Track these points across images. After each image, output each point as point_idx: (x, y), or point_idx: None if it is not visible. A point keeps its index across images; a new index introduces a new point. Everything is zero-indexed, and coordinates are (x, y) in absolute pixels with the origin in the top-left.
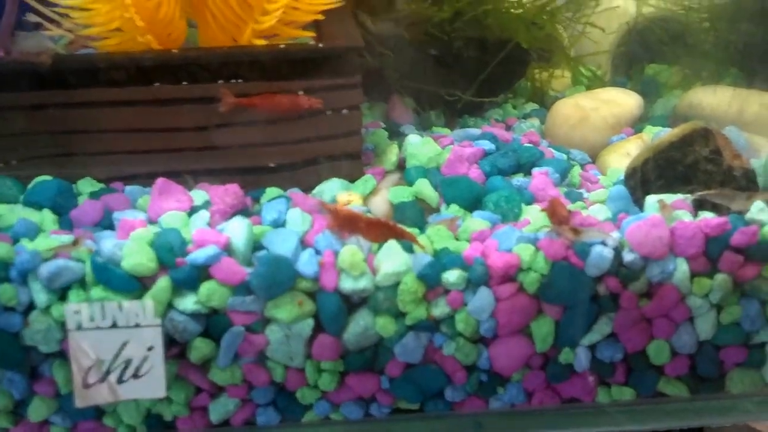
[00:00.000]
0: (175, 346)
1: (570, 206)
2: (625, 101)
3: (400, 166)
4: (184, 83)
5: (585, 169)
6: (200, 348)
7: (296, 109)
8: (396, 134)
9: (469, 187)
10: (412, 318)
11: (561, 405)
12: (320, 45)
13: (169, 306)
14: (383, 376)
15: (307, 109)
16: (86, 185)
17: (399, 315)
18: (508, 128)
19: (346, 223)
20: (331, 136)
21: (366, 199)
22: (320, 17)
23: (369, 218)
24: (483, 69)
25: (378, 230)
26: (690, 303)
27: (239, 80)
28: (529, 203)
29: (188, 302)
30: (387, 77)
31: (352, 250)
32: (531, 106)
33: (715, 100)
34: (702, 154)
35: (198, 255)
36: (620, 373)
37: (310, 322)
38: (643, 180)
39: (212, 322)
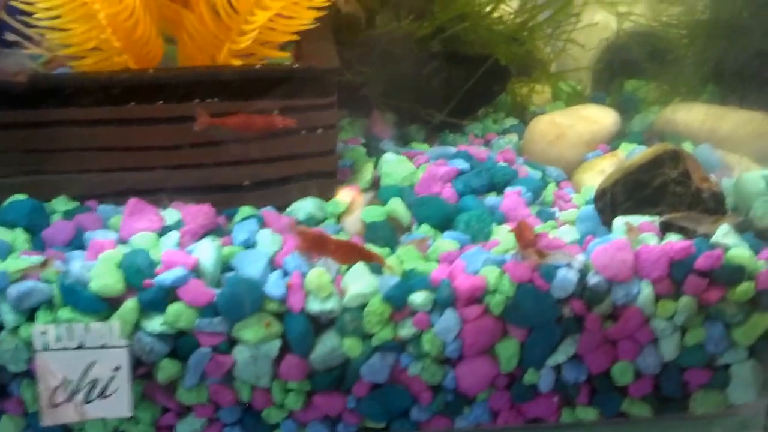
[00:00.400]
0: (142, 366)
1: (541, 226)
2: (601, 118)
3: (376, 184)
4: (160, 102)
5: (560, 187)
6: (167, 368)
7: (270, 129)
8: (375, 150)
9: (440, 207)
10: (379, 339)
11: (525, 424)
12: (295, 66)
13: (137, 327)
14: (350, 396)
15: (282, 129)
16: (61, 204)
17: (366, 336)
18: (487, 144)
19: (315, 245)
20: (306, 155)
21: (340, 217)
22: (296, 38)
23: (337, 240)
24: (462, 85)
25: (346, 252)
26: (654, 325)
27: (214, 99)
28: (500, 223)
29: (155, 323)
30: (368, 93)
31: (319, 272)
32: (511, 122)
33: (690, 117)
34: (671, 177)
35: (165, 277)
36: (584, 394)
37: (277, 343)
38: (612, 201)
39: (180, 343)
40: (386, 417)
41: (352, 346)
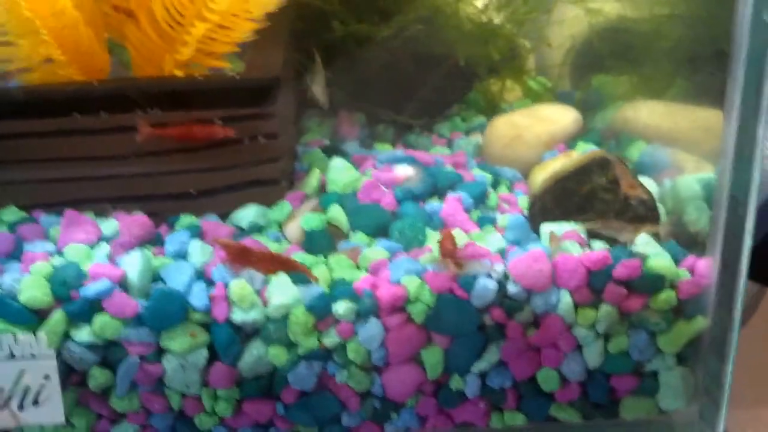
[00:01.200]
0: (75, 374)
1: (477, 233)
2: (561, 118)
3: (324, 190)
4: (103, 114)
5: (513, 188)
6: (97, 377)
7: (211, 139)
8: (337, 152)
9: (375, 214)
10: (304, 348)
11: (455, 429)
12: (235, 76)
13: (67, 337)
14: (279, 403)
15: (222, 139)
16: (9, 214)
17: (291, 345)
18: (450, 144)
19: (238, 257)
20: (249, 164)
21: (283, 225)
22: (236, 49)
23: (260, 251)
24: (427, 85)
25: (270, 263)
26: (576, 333)
27: (156, 110)
28: (438, 229)
29: (83, 334)
30: (336, 94)
31: (241, 284)
32: (479, 120)
33: (646, 115)
34: (599, 184)
35: (90, 289)
36: (512, 399)
37: (204, 352)
38: (543, 209)
39: (109, 352)
40: (316, 423)
41: (277, 355)
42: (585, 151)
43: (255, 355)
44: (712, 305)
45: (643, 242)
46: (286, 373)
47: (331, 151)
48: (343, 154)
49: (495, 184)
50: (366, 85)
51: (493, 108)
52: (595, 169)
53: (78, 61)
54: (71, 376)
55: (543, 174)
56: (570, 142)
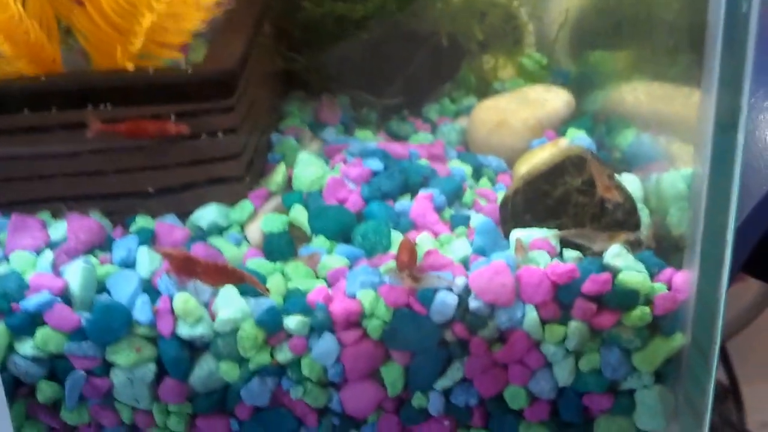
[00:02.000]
0: (24, 387)
1: (447, 235)
2: (550, 101)
3: (290, 186)
4: (53, 110)
5: (497, 180)
6: (45, 390)
7: (163, 135)
8: (312, 141)
9: (337, 217)
10: (255, 363)
11: None
12: (188, 69)
13: (11, 349)
14: (233, 419)
15: (177, 135)
16: None
17: (242, 360)
18: (434, 130)
19: (183, 268)
20: (209, 161)
21: (244, 226)
22: (188, 39)
23: (206, 262)
24: (412, 65)
25: (217, 274)
26: (544, 350)
27: (108, 105)
28: (406, 231)
29: (27, 347)
30: (317, 76)
31: (184, 298)
32: (469, 101)
33: (639, 98)
34: (573, 185)
35: (30, 302)
36: (478, 417)
37: (152, 367)
38: (514, 212)
39: (55, 365)
40: None
41: (228, 371)
42: (574, 139)
43: (206, 369)
44: (691, 321)
45: (615, 254)
46: (238, 388)
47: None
48: (319, 142)
49: (477, 175)
50: (348, 66)
51: (485, 87)
52: (570, 168)
53: (27, 55)
54: (20, 388)
55: (527, 164)
56: (560, 127)
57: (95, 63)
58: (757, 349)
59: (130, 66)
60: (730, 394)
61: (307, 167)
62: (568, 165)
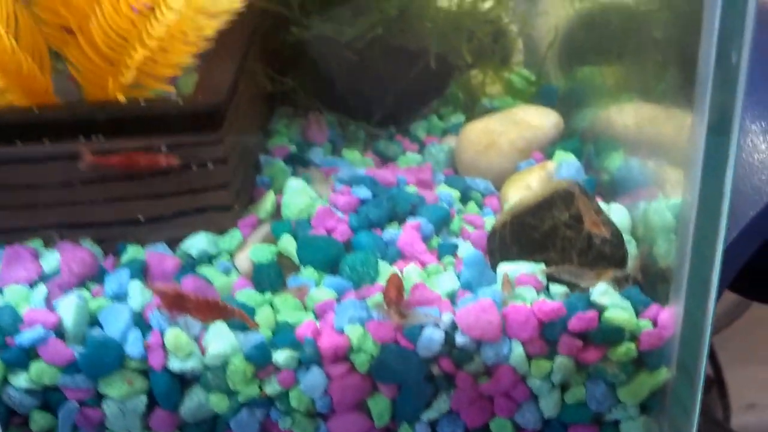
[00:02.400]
0: (18, 416)
1: (434, 266)
2: (538, 122)
3: (279, 213)
4: (46, 141)
5: (484, 204)
6: (39, 420)
7: (154, 168)
8: (300, 162)
9: (325, 247)
10: (244, 396)
11: None
12: (178, 101)
13: (6, 381)
14: None
15: (167, 167)
16: None
17: (231, 392)
18: (421, 150)
19: (174, 304)
20: (198, 190)
21: (233, 254)
22: (178, 73)
23: (197, 298)
24: (400, 82)
25: (207, 310)
26: (530, 383)
27: (99, 136)
28: (396, 260)
29: (21, 379)
30: (304, 94)
31: (175, 333)
32: (456, 119)
33: (625, 119)
34: (561, 219)
35: (25, 336)
36: None
37: (143, 399)
38: (502, 245)
39: (49, 397)
40: None
41: (218, 402)
42: (561, 162)
43: (196, 401)
44: (675, 356)
45: (602, 291)
46: (228, 419)
47: (295, 161)
48: (306, 164)
49: (465, 199)
50: (335, 84)
51: (473, 104)
52: (558, 203)
53: (19, 86)
54: (13, 417)
55: (514, 188)
56: (548, 147)
57: (86, 92)
58: (738, 335)
59: (121, 98)
60: (714, 383)
61: (298, 195)
62: (557, 199)
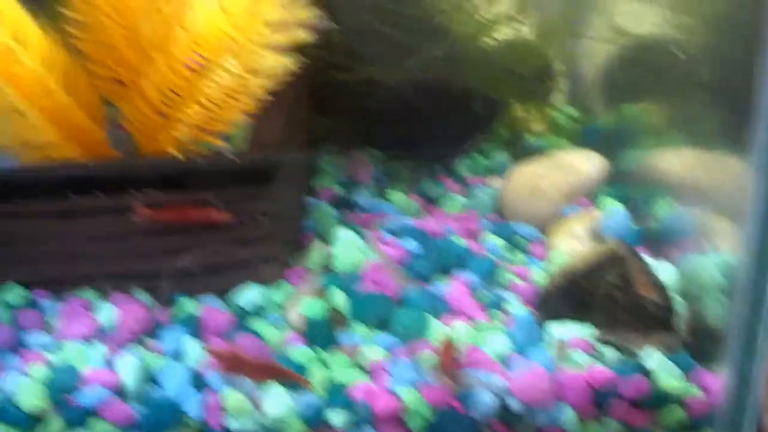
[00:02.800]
0: None
1: (485, 323)
2: (583, 167)
3: (328, 263)
4: (99, 194)
5: (530, 251)
6: None
7: (207, 222)
8: (346, 205)
9: (377, 305)
10: None
11: None
12: (232, 158)
13: None
14: None
15: (219, 222)
16: (10, 293)
17: None
18: (466, 191)
19: (231, 366)
20: (249, 242)
21: (284, 307)
22: (231, 129)
23: (253, 360)
24: (445, 121)
25: (264, 372)
26: None
27: (152, 190)
28: (445, 314)
29: None
30: (349, 132)
31: (234, 394)
32: (501, 157)
33: (676, 166)
34: (612, 282)
35: (86, 396)
36: None
37: None
38: (552, 305)
39: None
40: None
41: None
42: (608, 212)
43: None
44: (725, 422)
45: (651, 356)
46: None
47: (341, 204)
48: (351, 207)
49: (511, 246)
50: (379, 122)
51: (516, 141)
52: (608, 266)
53: (73, 140)
54: None
55: (561, 236)
56: (594, 193)
57: (138, 142)
58: None
59: (174, 152)
60: None
61: (348, 248)
62: (607, 262)
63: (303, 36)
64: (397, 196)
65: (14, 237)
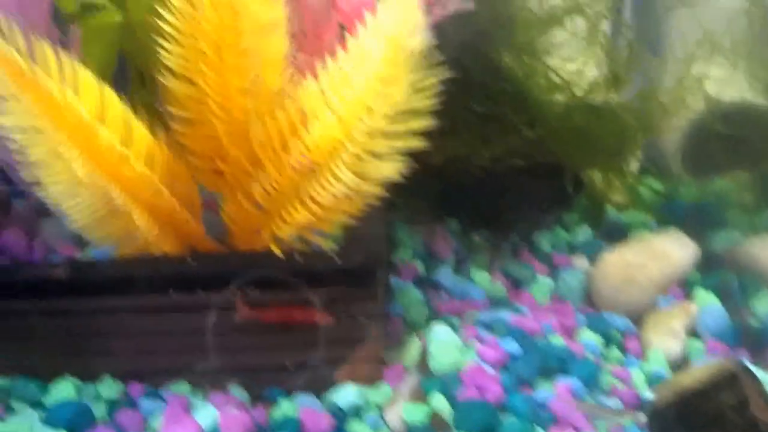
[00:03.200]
0: None
1: None
2: (676, 254)
3: (423, 360)
4: (199, 290)
5: (625, 348)
6: None
7: (309, 324)
8: (430, 284)
9: (481, 414)
10: None
11: None
12: (336, 259)
13: None
14: None
15: (321, 323)
16: (106, 388)
17: None
18: (552, 271)
19: None
20: (347, 341)
21: (383, 408)
22: (335, 230)
23: None
24: (527, 195)
25: None
26: None
27: (253, 287)
28: (549, 423)
29: None
30: (430, 206)
31: None
32: (583, 233)
33: None
34: (727, 403)
35: None
36: None
37: None
38: (665, 425)
39: None
40: None
41: None
42: (703, 309)
43: None
44: None
45: None
46: None
47: (425, 284)
48: (437, 287)
49: (606, 341)
50: (458, 195)
51: (598, 212)
52: (724, 385)
53: (171, 233)
54: None
55: (658, 332)
56: (685, 282)
57: (233, 233)
58: None
59: (276, 251)
60: None
61: (445, 347)
62: (722, 382)
63: (416, 143)
64: (481, 277)
65: (111, 329)
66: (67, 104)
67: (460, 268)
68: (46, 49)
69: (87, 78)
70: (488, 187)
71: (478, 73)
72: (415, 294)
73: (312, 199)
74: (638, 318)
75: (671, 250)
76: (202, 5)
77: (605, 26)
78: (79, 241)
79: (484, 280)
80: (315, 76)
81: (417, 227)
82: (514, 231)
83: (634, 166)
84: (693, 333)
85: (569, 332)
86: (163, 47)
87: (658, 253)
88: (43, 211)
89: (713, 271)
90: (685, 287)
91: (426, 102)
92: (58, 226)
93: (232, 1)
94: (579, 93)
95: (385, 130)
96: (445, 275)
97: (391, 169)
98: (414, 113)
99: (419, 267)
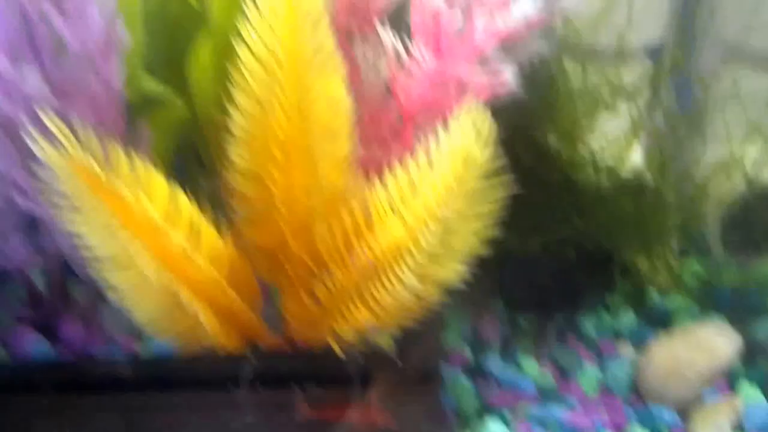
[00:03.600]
0: None
1: None
2: (722, 348)
3: None
4: (260, 387)
5: None
6: None
7: (368, 423)
8: (481, 375)
9: None
10: None
11: None
12: (396, 360)
13: None
14: None
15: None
16: None
17: None
18: (599, 359)
19: None
20: None
21: None
22: (393, 331)
23: None
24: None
25: None
26: None
27: (313, 385)
28: None
29: None
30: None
31: None
32: (627, 317)
33: None
34: None
35: None
36: None
37: None
38: None
39: None
40: None
41: None
42: (748, 405)
43: None
44: None
45: None
46: None
47: (474, 372)
48: (486, 377)
49: None
50: (506, 277)
51: (641, 297)
52: None
53: (231, 329)
54: None
55: (704, 425)
56: (730, 375)
57: (291, 328)
58: None
59: (337, 349)
60: None
61: None
62: None
63: (477, 246)
64: (530, 365)
65: (174, 427)
66: (140, 208)
67: (506, 352)
68: (119, 152)
69: (158, 180)
70: (537, 270)
71: (528, 159)
72: (465, 385)
73: (374, 299)
74: (684, 412)
75: (717, 343)
76: (272, 107)
77: (646, 105)
78: (138, 332)
79: (532, 369)
80: (379, 174)
81: (465, 309)
82: (560, 313)
83: (675, 247)
84: (739, 427)
85: (619, 428)
86: (231, 145)
87: (703, 346)
88: (101, 298)
89: (757, 361)
90: (729, 379)
91: (490, 207)
92: (116, 315)
93: (300, 103)
94: (623, 176)
95: (448, 236)
96: (494, 363)
97: (453, 273)
98: (477, 217)
99: (467, 353)
